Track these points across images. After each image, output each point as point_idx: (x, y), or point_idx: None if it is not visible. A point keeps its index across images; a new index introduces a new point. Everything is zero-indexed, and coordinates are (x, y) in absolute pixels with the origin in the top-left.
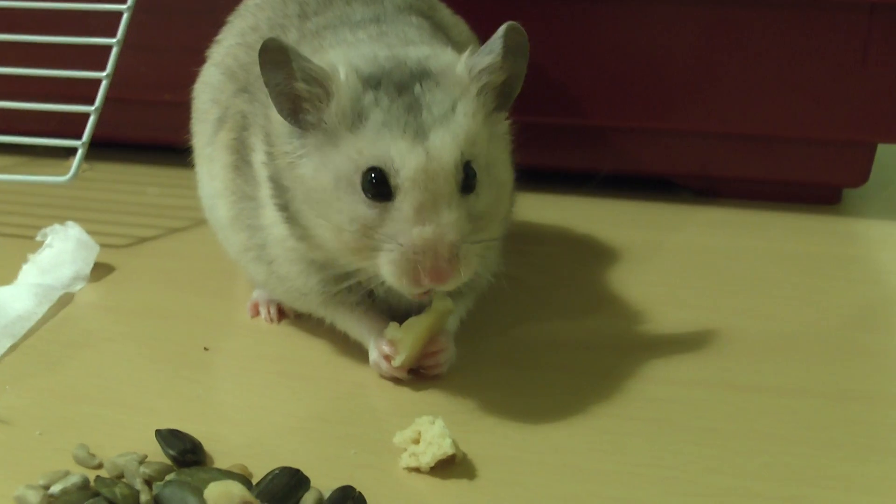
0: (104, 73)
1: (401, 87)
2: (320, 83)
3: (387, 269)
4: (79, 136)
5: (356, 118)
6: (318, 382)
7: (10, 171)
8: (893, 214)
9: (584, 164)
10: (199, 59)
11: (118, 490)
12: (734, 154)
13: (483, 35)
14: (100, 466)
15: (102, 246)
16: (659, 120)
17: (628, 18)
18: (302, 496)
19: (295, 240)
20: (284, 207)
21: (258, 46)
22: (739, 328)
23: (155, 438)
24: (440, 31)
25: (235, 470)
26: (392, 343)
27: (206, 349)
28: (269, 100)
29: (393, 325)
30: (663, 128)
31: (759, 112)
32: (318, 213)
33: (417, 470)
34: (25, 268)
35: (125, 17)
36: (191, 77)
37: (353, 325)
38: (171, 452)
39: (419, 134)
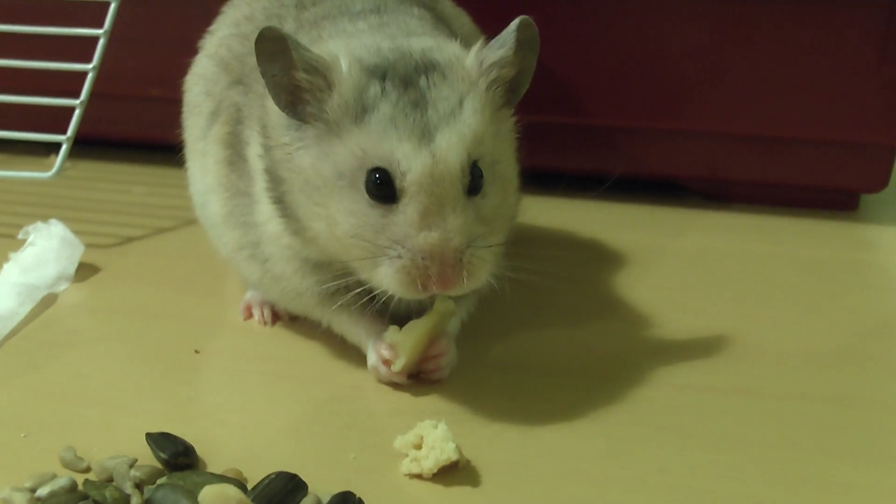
0: (90, 66)
1: (406, 81)
2: (321, 73)
3: (390, 275)
4: (62, 132)
5: (360, 111)
6: (314, 384)
7: None
8: None
9: (587, 166)
10: (190, 53)
11: (108, 493)
12: (745, 156)
13: (484, 30)
14: (88, 470)
15: (87, 245)
16: (666, 120)
17: (633, 12)
18: (299, 502)
19: (289, 235)
20: (279, 200)
21: (254, 37)
22: (750, 334)
23: (145, 441)
24: (442, 23)
25: (229, 474)
26: (391, 347)
27: (196, 351)
28: (266, 90)
29: (392, 329)
30: (670, 128)
31: (772, 112)
32: (316, 202)
33: (419, 476)
34: (6, 266)
35: (113, 6)
36: (181, 71)
37: (351, 327)
38: (163, 456)
39: (425, 135)
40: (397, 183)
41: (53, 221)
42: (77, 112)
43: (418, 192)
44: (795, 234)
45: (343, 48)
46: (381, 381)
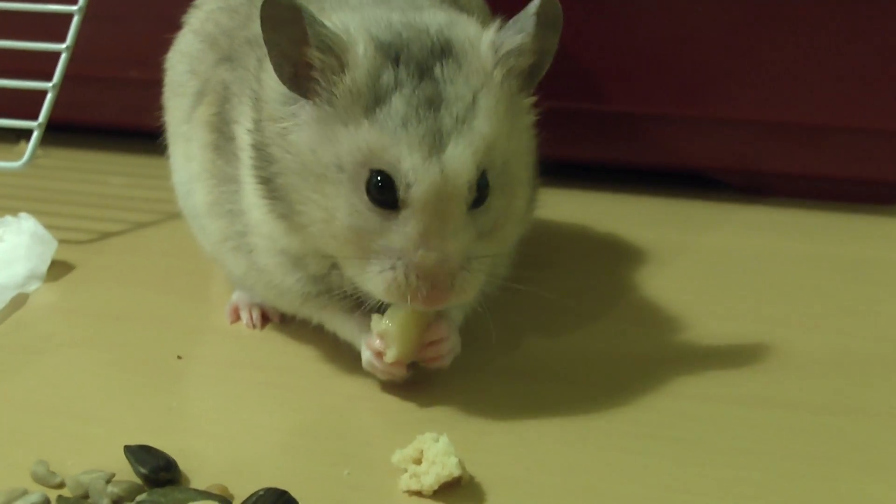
0: (63, 46)
1: (422, 69)
2: (335, 53)
3: (378, 280)
4: (34, 117)
5: (372, 101)
6: (306, 393)
7: None
8: None
9: (609, 155)
10: (172, 30)
11: None
12: (779, 146)
13: (495, 9)
14: (61, 485)
15: (60, 241)
16: (695, 107)
17: None
18: None
19: (274, 219)
20: (267, 181)
21: (243, 10)
22: (782, 340)
23: (124, 455)
24: None
25: (214, 490)
26: (381, 336)
27: (179, 357)
28: (262, 64)
29: (376, 317)
30: (700, 116)
31: (809, 99)
32: (314, 189)
33: (419, 493)
34: None
35: None
36: (162, 50)
37: (340, 324)
38: (143, 470)
39: (436, 143)
40: (400, 193)
41: (23, 215)
42: (49, 96)
43: (422, 208)
44: (832, 230)
45: (358, 24)
46: (379, 377)
